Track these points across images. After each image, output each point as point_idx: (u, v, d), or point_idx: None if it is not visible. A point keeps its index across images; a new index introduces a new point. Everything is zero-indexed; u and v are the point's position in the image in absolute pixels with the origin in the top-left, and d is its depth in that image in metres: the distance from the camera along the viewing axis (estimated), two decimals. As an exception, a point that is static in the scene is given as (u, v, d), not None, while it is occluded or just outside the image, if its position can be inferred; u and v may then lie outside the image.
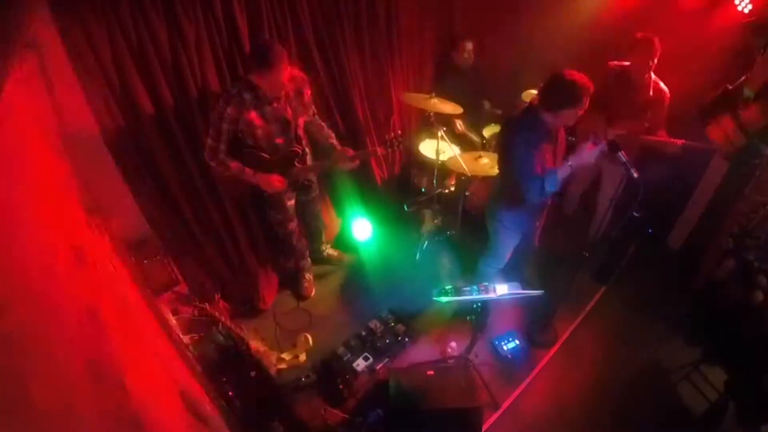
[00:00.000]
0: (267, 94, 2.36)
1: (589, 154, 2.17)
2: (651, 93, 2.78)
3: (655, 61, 2.69)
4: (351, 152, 2.65)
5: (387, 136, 2.67)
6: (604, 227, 2.64)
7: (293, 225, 2.97)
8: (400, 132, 2.74)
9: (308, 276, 3.28)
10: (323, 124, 2.78)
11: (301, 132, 2.65)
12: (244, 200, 2.85)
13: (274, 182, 2.53)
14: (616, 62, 2.90)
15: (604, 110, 2.77)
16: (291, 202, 2.85)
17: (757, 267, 2.81)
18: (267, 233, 3.12)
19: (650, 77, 2.77)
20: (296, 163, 2.62)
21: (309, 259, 3.29)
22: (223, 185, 2.72)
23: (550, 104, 2.15)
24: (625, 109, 2.77)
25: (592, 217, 3.44)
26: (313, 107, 2.73)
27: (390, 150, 2.70)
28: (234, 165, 2.43)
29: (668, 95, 2.81)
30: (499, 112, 3.97)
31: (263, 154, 2.52)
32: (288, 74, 2.31)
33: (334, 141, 2.73)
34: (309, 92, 2.60)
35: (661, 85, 2.80)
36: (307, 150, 2.74)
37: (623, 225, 2.29)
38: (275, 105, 2.43)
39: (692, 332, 3.04)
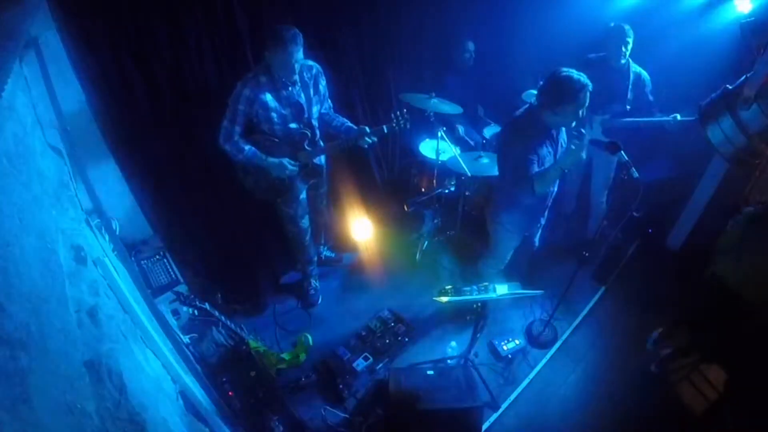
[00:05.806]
0: (281, 77, 2.39)
1: (575, 151, 2.06)
2: (630, 77, 2.90)
3: (630, 46, 2.80)
4: (367, 129, 2.63)
5: (393, 114, 2.64)
6: (604, 223, 2.64)
7: (305, 223, 2.96)
8: (405, 110, 2.70)
9: (314, 283, 3.24)
10: (338, 115, 2.79)
11: (315, 122, 2.67)
12: (261, 195, 2.78)
13: (286, 165, 2.55)
14: (594, 54, 2.99)
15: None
16: (303, 195, 2.86)
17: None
18: (275, 236, 3.09)
19: (627, 63, 2.89)
20: (306, 146, 2.63)
21: (316, 267, 3.26)
22: (248, 179, 2.69)
23: (548, 102, 2.14)
24: (606, 95, 2.82)
25: (589, 213, 3.44)
26: (330, 101, 2.74)
27: (397, 127, 2.65)
28: (247, 148, 2.47)
29: (646, 75, 2.94)
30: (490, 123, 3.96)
31: (274, 138, 2.54)
32: (300, 58, 2.32)
33: (350, 124, 2.73)
34: (324, 83, 2.64)
35: (638, 68, 2.93)
36: (318, 136, 2.74)
37: (623, 225, 2.29)
38: (291, 89, 2.47)
39: (692, 332, 3.03)
